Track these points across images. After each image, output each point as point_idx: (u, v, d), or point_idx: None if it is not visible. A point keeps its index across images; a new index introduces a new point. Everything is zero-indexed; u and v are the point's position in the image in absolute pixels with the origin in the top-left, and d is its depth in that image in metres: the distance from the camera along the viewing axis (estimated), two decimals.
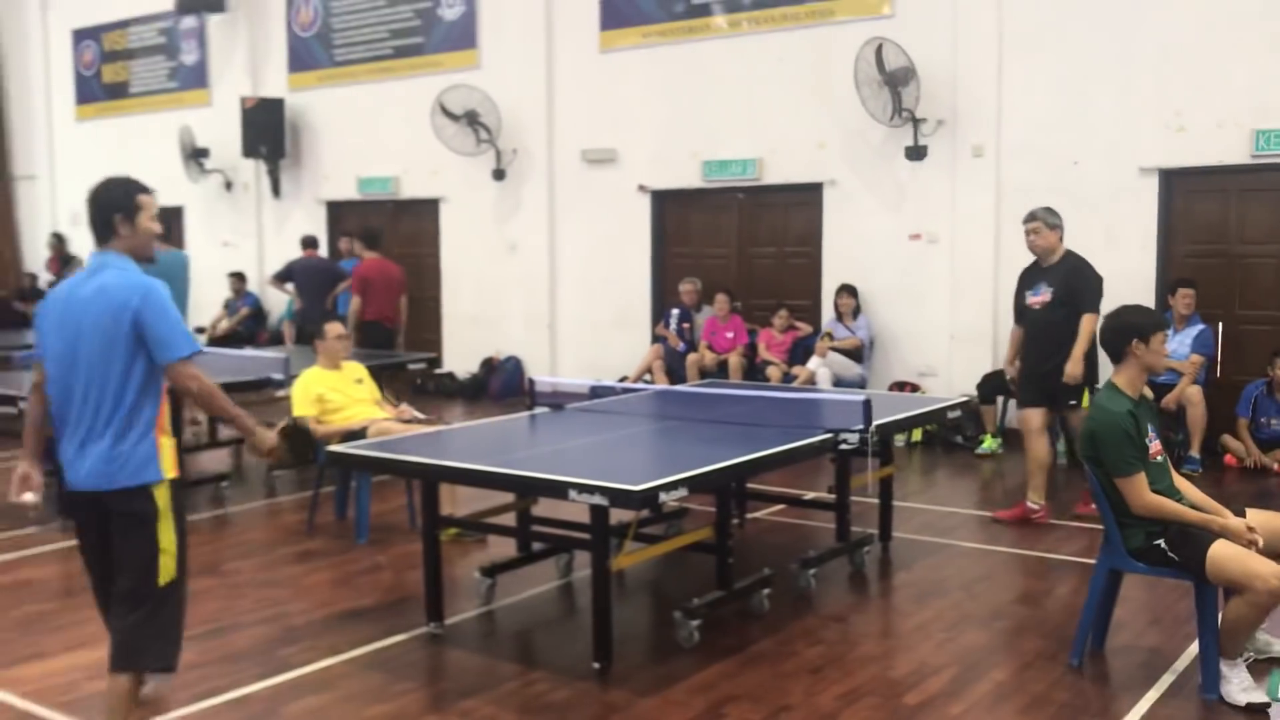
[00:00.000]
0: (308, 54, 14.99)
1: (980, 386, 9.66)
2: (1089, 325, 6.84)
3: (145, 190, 3.93)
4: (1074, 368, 6.90)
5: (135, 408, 3.69)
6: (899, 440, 9.56)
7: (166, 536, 3.71)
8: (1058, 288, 7.05)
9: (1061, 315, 6.99)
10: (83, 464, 3.69)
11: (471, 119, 12.81)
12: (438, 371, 13.49)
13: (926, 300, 10.57)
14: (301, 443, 4.27)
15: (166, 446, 3.76)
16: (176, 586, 3.76)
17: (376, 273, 11.14)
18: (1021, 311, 7.38)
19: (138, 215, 3.85)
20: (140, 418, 3.70)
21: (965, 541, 6.86)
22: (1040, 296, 7.17)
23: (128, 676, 3.73)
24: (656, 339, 11.96)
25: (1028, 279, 7.36)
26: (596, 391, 7.12)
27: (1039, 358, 7.15)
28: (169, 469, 3.74)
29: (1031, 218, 7.19)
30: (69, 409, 3.74)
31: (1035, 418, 7.23)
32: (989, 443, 9.56)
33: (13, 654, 5.01)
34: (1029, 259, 10.17)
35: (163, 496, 3.72)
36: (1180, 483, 4.78)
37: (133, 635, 3.72)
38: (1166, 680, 4.62)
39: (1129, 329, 4.68)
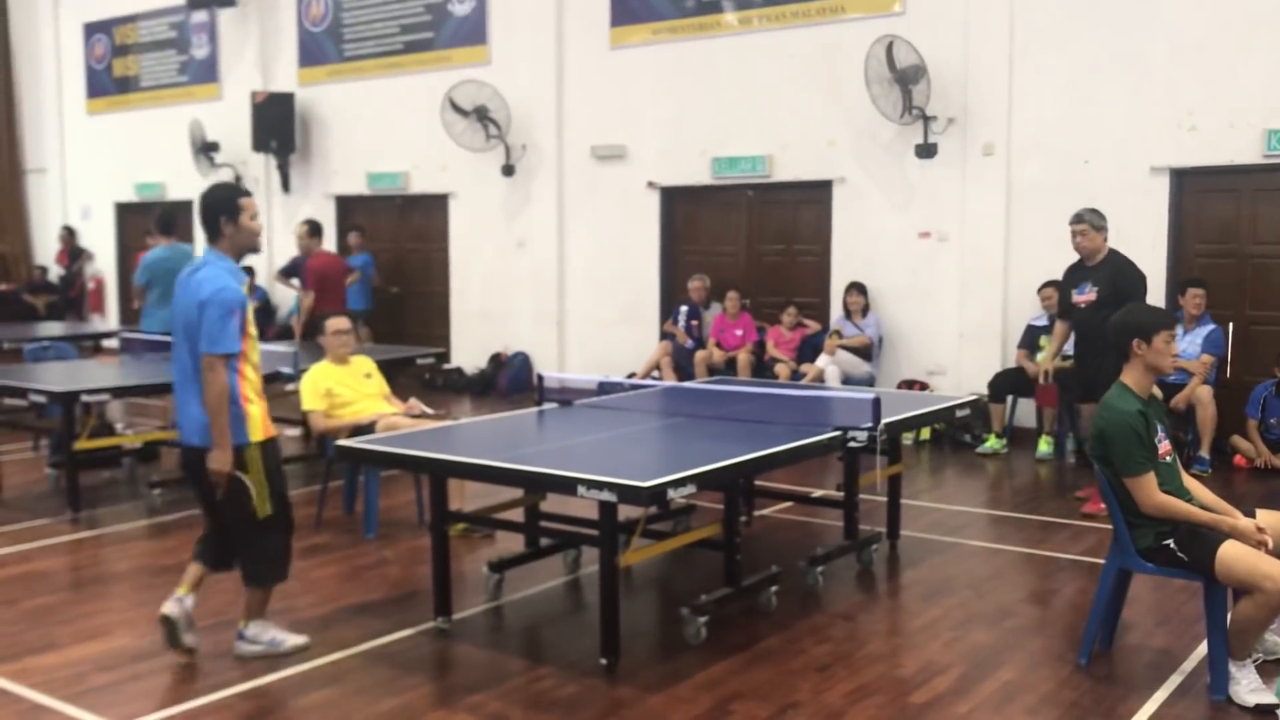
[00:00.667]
0: (318, 49, 15.01)
1: (992, 384, 9.63)
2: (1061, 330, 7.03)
3: (246, 194, 4.69)
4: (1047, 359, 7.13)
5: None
6: (907, 439, 9.56)
7: (259, 486, 4.55)
8: (1103, 286, 7.17)
9: (1108, 314, 6.82)
10: (184, 424, 4.60)
11: (481, 115, 12.82)
12: (446, 367, 13.51)
13: (936, 298, 10.55)
14: (235, 496, 4.63)
15: (253, 414, 4.54)
16: (271, 520, 4.62)
17: (331, 267, 11.03)
18: (1068, 309, 7.53)
19: (240, 215, 4.56)
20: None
21: (973, 540, 6.86)
22: (1085, 295, 7.29)
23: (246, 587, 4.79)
24: (665, 336, 11.96)
25: (1072, 277, 7.49)
26: (605, 388, 7.12)
27: (1088, 356, 7.24)
28: (256, 432, 4.54)
29: (1079, 219, 7.31)
30: (177, 377, 4.62)
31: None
32: (992, 442, 9.54)
33: (23, 645, 5.03)
34: (1037, 257, 10.24)
35: (254, 457, 4.53)
36: (1190, 483, 4.77)
37: (239, 558, 4.76)
38: (1174, 681, 4.61)
39: (1130, 328, 4.70)
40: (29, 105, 19.00)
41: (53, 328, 12.58)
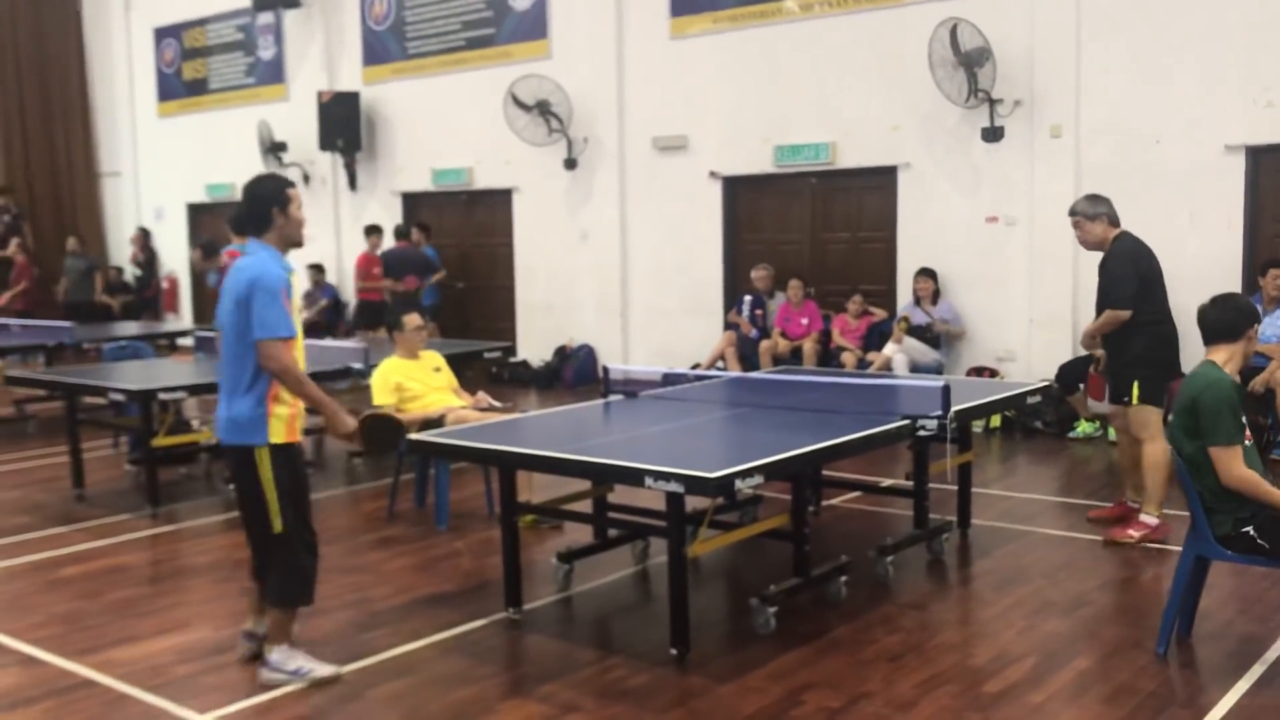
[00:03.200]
0: (381, 47, 15.17)
1: (1059, 377, 9.45)
2: (1108, 315, 6.41)
3: (292, 184, 4.58)
4: (1087, 340, 6.75)
5: (253, 377, 4.30)
6: (977, 426, 9.44)
7: (270, 494, 4.33)
8: (1100, 280, 6.60)
9: (1100, 306, 6.58)
10: (219, 420, 4.43)
11: (543, 109, 12.88)
12: (512, 360, 13.60)
13: (1004, 284, 10.41)
14: (382, 432, 4.59)
15: (278, 415, 4.34)
16: (286, 537, 4.37)
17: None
18: None
19: (289, 205, 4.47)
20: (253, 386, 4.31)
21: (1046, 528, 6.76)
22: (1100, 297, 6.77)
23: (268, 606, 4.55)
24: (729, 326, 11.93)
25: None
26: (669, 379, 7.12)
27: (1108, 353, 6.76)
28: (276, 435, 4.33)
29: (1071, 212, 6.70)
30: (221, 370, 4.46)
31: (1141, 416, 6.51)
32: (1084, 426, 9.39)
33: (106, 637, 5.16)
34: None
35: (264, 459, 4.31)
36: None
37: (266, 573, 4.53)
38: (1257, 670, 4.51)
39: (1238, 320, 4.69)
40: (103, 110, 19.43)
41: (129, 328, 12.87)
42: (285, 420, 4.37)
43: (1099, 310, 6.59)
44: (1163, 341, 6.43)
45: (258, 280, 4.26)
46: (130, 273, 18.65)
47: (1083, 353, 9.55)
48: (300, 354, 4.46)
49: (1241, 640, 4.87)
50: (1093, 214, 6.60)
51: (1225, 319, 4.70)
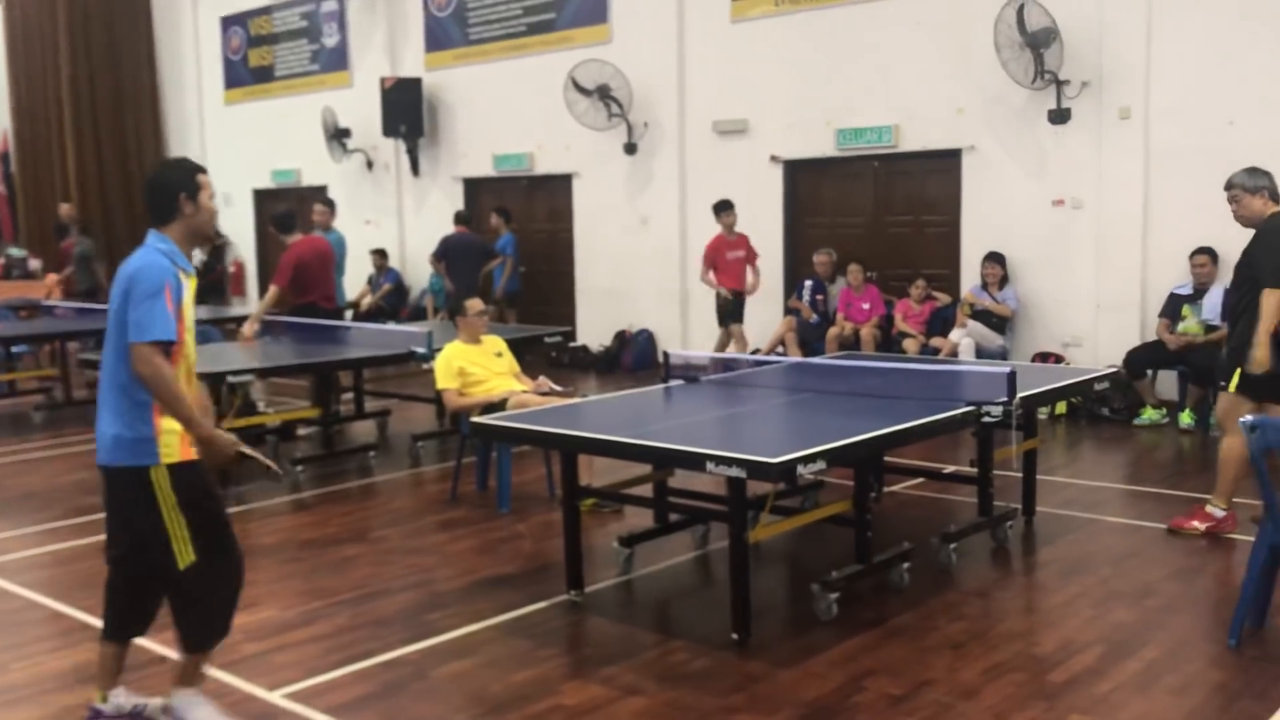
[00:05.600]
0: (443, 33, 15.26)
1: (1128, 360, 9.31)
2: (1269, 301, 5.80)
3: (204, 170, 3.99)
4: (1260, 353, 5.88)
5: (139, 387, 3.69)
6: (1042, 413, 9.32)
7: (173, 523, 3.74)
8: (1242, 258, 6.14)
9: (1245, 291, 6.07)
10: (100, 437, 3.81)
11: (603, 93, 12.88)
12: (572, 345, 13.65)
13: (1071, 268, 10.25)
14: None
15: (170, 428, 3.72)
16: (199, 570, 3.78)
17: (311, 253, 9.53)
18: None
19: (199, 194, 3.88)
20: (139, 398, 3.72)
21: (1112, 516, 6.66)
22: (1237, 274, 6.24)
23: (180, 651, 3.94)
24: (789, 311, 11.88)
25: None
26: (730, 364, 7.11)
27: (1230, 337, 6.32)
28: (171, 453, 3.73)
29: (1228, 185, 6.17)
30: (101, 379, 3.86)
31: (1230, 405, 6.12)
32: (1149, 413, 9.24)
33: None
34: (1178, 224, 9.57)
35: (161, 481, 3.72)
36: None
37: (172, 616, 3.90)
38: None
39: None
40: (172, 98, 19.76)
41: (197, 311, 13.07)
42: (180, 434, 3.74)
43: (1239, 299, 6.07)
44: None
45: (136, 275, 3.67)
46: (198, 259, 18.97)
47: (1151, 338, 9.44)
48: (188, 364, 3.86)
49: None
50: (1254, 187, 6.07)
51: None
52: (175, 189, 3.85)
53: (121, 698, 4.02)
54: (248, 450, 3.94)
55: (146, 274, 3.68)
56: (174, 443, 3.74)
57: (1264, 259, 5.93)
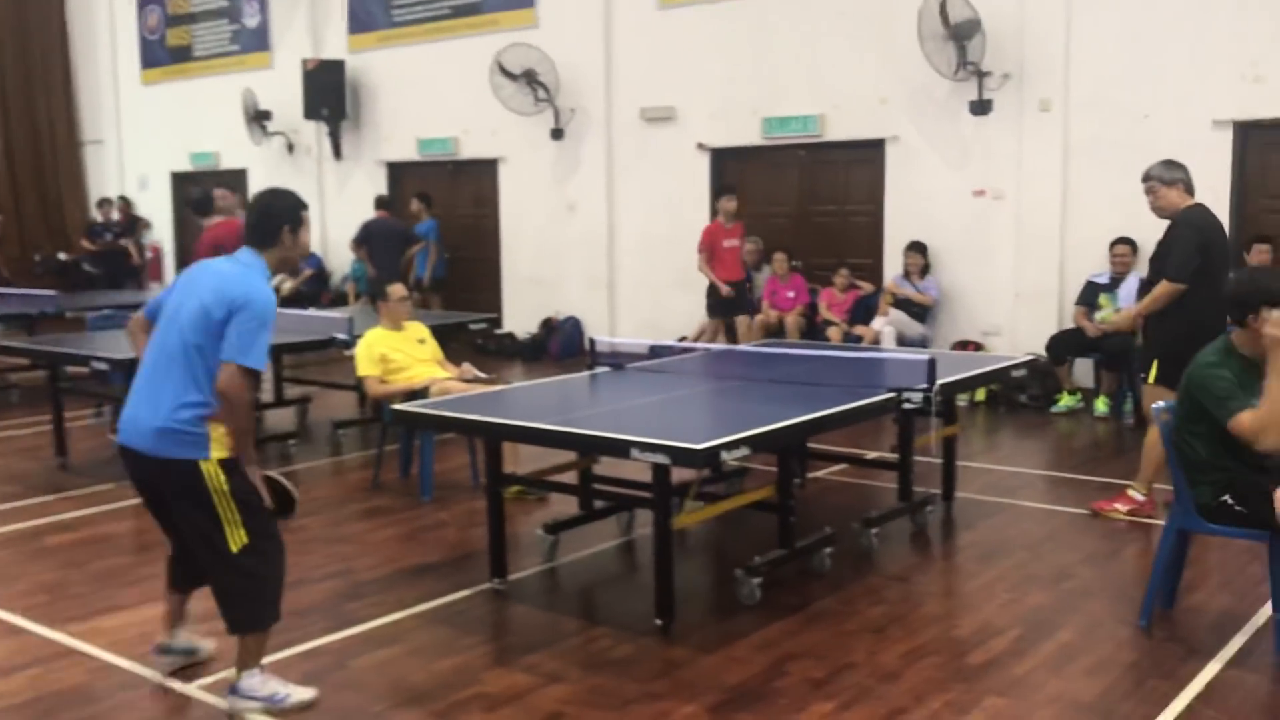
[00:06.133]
0: (367, 15, 15.03)
1: (1050, 346, 9.49)
2: (1162, 289, 6.04)
3: (307, 206, 4.19)
4: (1123, 321, 6.41)
5: (201, 389, 3.85)
6: (962, 400, 9.47)
7: (226, 510, 3.89)
8: (1158, 249, 6.25)
9: (1158, 280, 6.19)
10: (140, 426, 3.91)
11: (530, 78, 12.80)
12: (498, 332, 13.57)
13: (991, 258, 10.41)
14: (279, 495, 4.18)
15: (220, 430, 3.87)
16: (248, 554, 3.92)
17: (230, 236, 9.80)
18: None
19: (300, 228, 4.09)
20: (197, 399, 3.86)
21: (1029, 502, 6.79)
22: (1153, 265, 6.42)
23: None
24: None
25: None
26: (656, 351, 7.11)
27: (1146, 329, 6.49)
28: (220, 450, 3.88)
29: (1145, 177, 6.29)
30: (153, 369, 3.98)
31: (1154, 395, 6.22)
32: (1066, 399, 9.42)
33: (91, 606, 5.15)
34: (1095, 215, 9.75)
35: (215, 472, 3.87)
36: None
37: (218, 602, 4.04)
38: (1238, 642, 4.55)
39: (1243, 301, 4.42)
40: (85, 77, 19.23)
41: (113, 296, 12.78)
42: (221, 438, 3.90)
43: (1151, 283, 6.21)
44: (1200, 332, 5.64)
45: (252, 299, 3.81)
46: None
47: (1069, 325, 9.63)
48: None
49: (1222, 614, 4.91)
50: (1170, 179, 6.18)
51: (1231, 306, 4.56)
52: (281, 219, 4.04)
53: (183, 639, 4.39)
54: (274, 475, 4.17)
55: (263, 303, 3.84)
56: (223, 439, 3.88)
57: (1174, 250, 6.05)
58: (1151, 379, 6.16)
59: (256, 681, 4.05)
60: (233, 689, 4.08)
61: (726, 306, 11.03)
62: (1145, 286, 6.43)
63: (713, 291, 11.00)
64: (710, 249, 10.90)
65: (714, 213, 11.27)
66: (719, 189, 11.11)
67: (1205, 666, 4.32)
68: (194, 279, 4.00)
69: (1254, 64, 9.01)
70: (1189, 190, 6.23)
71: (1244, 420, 4.29)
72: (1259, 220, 9.23)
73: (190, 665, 4.44)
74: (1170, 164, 6.29)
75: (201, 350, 3.83)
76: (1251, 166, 9.29)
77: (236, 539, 3.88)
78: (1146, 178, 6.30)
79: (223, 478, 3.86)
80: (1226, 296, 4.58)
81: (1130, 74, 9.56)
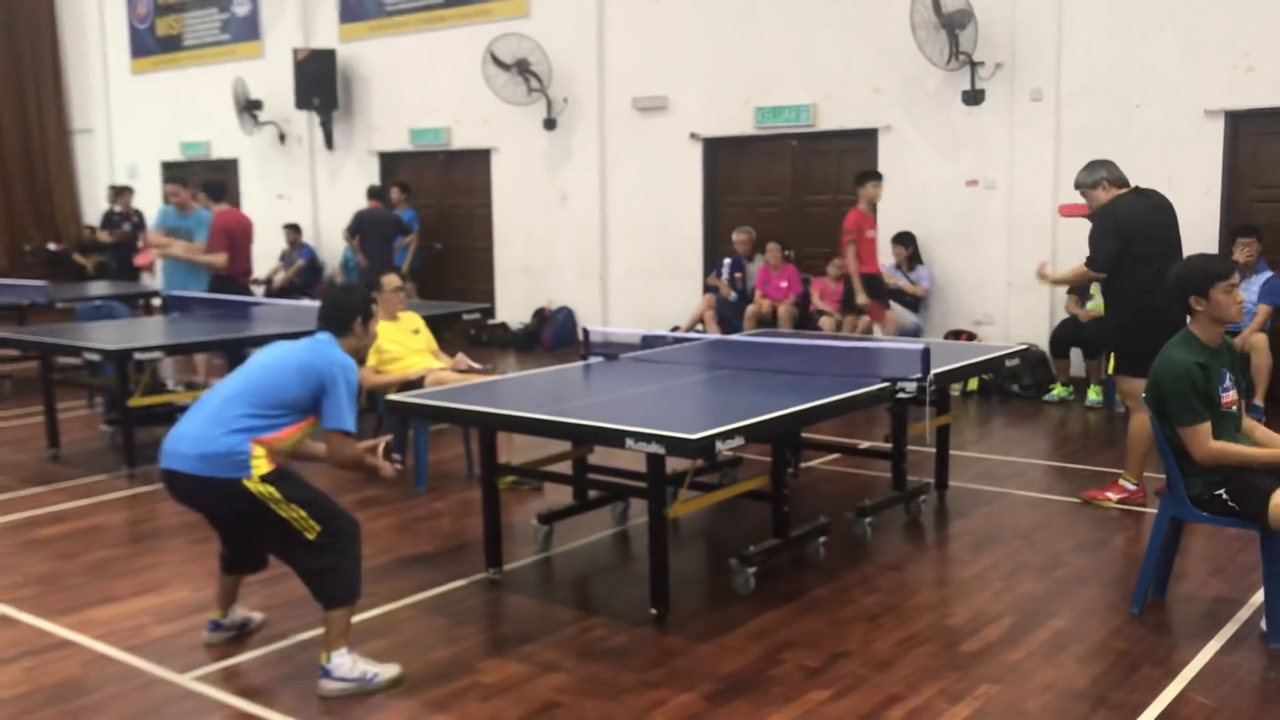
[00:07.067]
0: (358, 4, 14.97)
1: (1054, 339, 9.52)
2: (1078, 269, 6.42)
3: (376, 300, 4.64)
4: (1050, 278, 6.61)
5: (263, 430, 4.17)
6: (955, 389, 9.49)
7: (290, 512, 4.15)
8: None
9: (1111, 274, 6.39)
10: (185, 449, 4.19)
11: (522, 68, 12.77)
12: (491, 322, 13.56)
13: (983, 247, 10.43)
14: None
15: (259, 456, 4.14)
16: (325, 536, 4.17)
17: (239, 226, 9.75)
18: None
19: (370, 322, 4.51)
20: (253, 437, 4.15)
21: (1022, 490, 6.82)
22: None
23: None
24: (708, 289, 11.92)
25: None
26: (649, 341, 7.12)
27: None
28: (260, 469, 4.13)
29: (1076, 186, 6.52)
30: (222, 402, 4.26)
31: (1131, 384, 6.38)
32: (1059, 389, 9.46)
33: (84, 598, 5.15)
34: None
35: (262, 486, 4.11)
36: (1247, 424, 4.72)
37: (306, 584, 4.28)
38: (1229, 629, 4.58)
39: (1185, 285, 4.62)
40: (74, 66, 19.14)
41: (103, 287, 12.75)
42: (264, 457, 4.17)
43: (1105, 283, 6.45)
44: (1147, 313, 6.03)
45: (348, 370, 4.26)
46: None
47: (1064, 317, 9.65)
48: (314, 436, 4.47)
49: (1214, 601, 4.93)
50: (1092, 181, 6.38)
51: (1175, 298, 4.69)
52: (355, 312, 4.44)
53: (237, 615, 4.65)
54: (380, 446, 4.53)
55: (353, 375, 4.29)
56: (263, 460, 4.13)
57: (1094, 239, 6.28)
58: (1111, 370, 6.44)
59: (346, 662, 4.18)
60: (324, 671, 4.17)
61: (875, 293, 9.85)
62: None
63: (869, 283, 9.73)
64: (855, 240, 9.62)
65: (708, 205, 11.22)
66: (863, 175, 9.74)
67: (1197, 654, 4.35)
68: (298, 354, 4.28)
69: (1245, 54, 9.02)
70: (1115, 184, 6.37)
71: (1203, 436, 4.43)
72: (1251, 210, 9.25)
73: (183, 637, 4.51)
74: (1091, 166, 6.46)
75: (288, 405, 4.18)
76: (1242, 156, 9.31)
77: (311, 531, 4.12)
78: (1077, 186, 6.49)
79: (271, 488, 4.10)
80: (1171, 284, 4.71)
81: (1122, 63, 9.57)
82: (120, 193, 14.84)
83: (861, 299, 9.62)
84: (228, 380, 4.34)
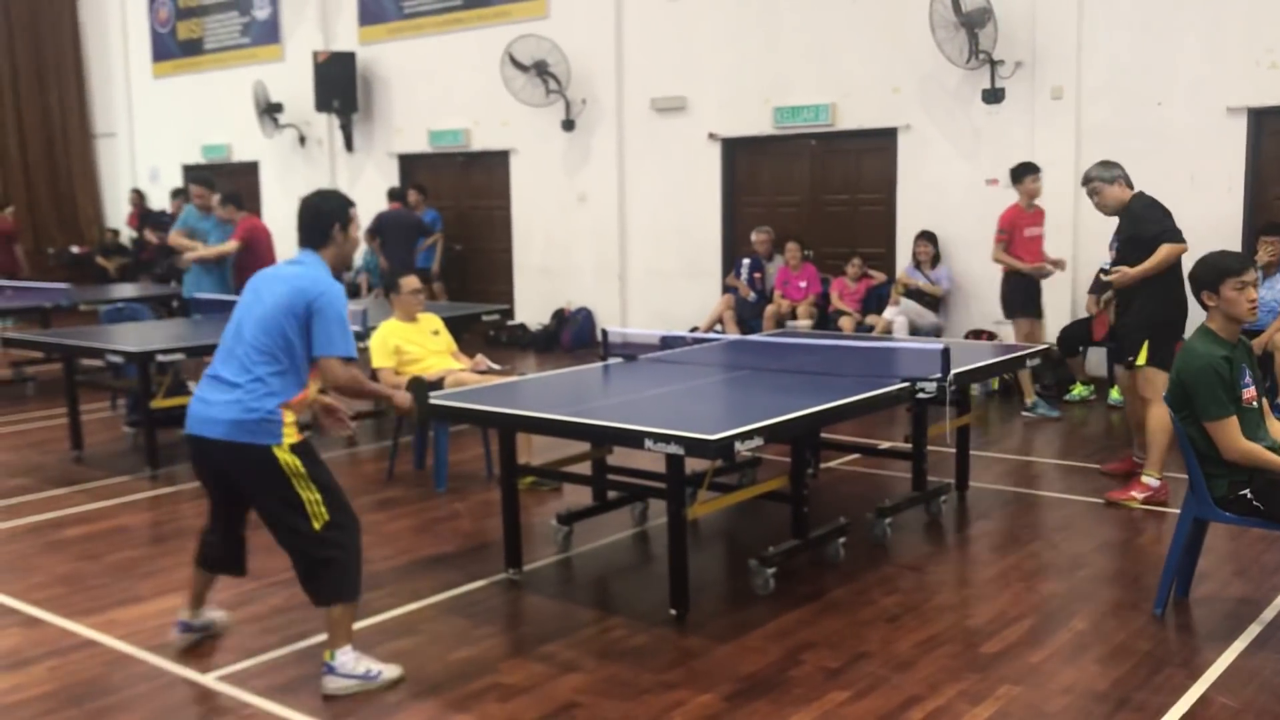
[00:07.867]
0: (377, 7, 15.03)
1: (1061, 340, 9.46)
2: (1163, 253, 6.26)
3: (354, 204, 4.51)
4: (1122, 276, 6.36)
5: (280, 382, 4.11)
6: (975, 389, 9.45)
7: (307, 492, 4.13)
8: (1122, 241, 6.61)
9: (1130, 266, 6.46)
10: (215, 413, 4.11)
11: (540, 69, 12.78)
12: (510, 323, 13.58)
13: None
14: (422, 394, 4.64)
15: (289, 421, 4.12)
16: (329, 530, 4.15)
17: (264, 233, 9.80)
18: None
19: (350, 225, 4.38)
20: (276, 391, 4.11)
21: (1043, 490, 6.78)
22: (1112, 253, 6.91)
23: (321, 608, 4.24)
24: (727, 289, 11.91)
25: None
26: (668, 342, 7.11)
27: (1119, 316, 6.81)
28: (291, 437, 4.11)
29: (1085, 180, 6.64)
30: (229, 360, 4.20)
31: (1148, 377, 6.48)
32: (1079, 389, 9.41)
33: (108, 598, 5.18)
34: None
35: (290, 457, 4.10)
36: (1274, 427, 4.69)
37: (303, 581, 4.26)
38: (1253, 631, 4.55)
39: (1196, 282, 4.67)
40: (96, 70, 19.29)
41: (126, 289, 12.84)
42: (293, 424, 4.16)
43: (1111, 273, 6.56)
44: (1174, 304, 6.33)
45: (331, 296, 4.12)
46: (127, 235, 18.57)
47: (1082, 315, 9.60)
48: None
49: (1238, 601, 4.90)
50: (1110, 177, 6.52)
51: (1192, 292, 4.74)
52: (331, 218, 4.32)
53: (204, 616, 4.62)
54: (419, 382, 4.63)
55: (339, 298, 4.15)
56: (293, 428, 4.12)
57: (1147, 229, 6.35)
58: (1142, 359, 6.37)
59: (350, 659, 4.18)
60: (328, 668, 4.17)
61: (1028, 300, 9.09)
62: (1101, 285, 6.61)
63: (1013, 286, 9.07)
64: (1009, 238, 9.00)
65: (727, 205, 11.19)
66: (1020, 168, 9.05)
67: (1220, 655, 4.32)
68: (270, 286, 4.19)
69: (1269, 50, 8.95)
70: (1128, 184, 6.56)
71: (1233, 431, 4.41)
72: (1274, 209, 9.17)
73: (207, 638, 4.59)
74: (1106, 164, 6.61)
75: (285, 348, 4.09)
76: (1265, 154, 9.24)
77: (320, 518, 4.10)
78: (1087, 180, 6.62)
79: (297, 461, 4.07)
80: (1189, 279, 4.78)
81: (1143, 61, 9.52)
82: (177, 194, 14.93)
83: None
84: (234, 342, 4.18)
